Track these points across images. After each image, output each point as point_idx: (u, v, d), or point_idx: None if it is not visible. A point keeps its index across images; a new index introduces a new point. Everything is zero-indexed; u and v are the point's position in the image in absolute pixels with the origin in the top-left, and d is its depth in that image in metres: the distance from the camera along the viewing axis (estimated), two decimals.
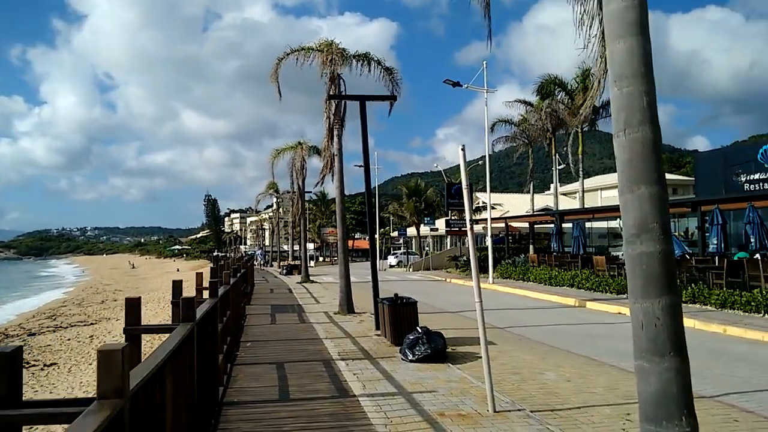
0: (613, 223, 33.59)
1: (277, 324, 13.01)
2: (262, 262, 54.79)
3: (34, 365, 15.47)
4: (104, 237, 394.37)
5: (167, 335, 3.82)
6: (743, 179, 22.48)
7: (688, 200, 20.27)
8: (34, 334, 21.54)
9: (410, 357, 8.46)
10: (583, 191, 31.05)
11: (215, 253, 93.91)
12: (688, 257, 18.42)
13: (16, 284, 64.89)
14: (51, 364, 15.43)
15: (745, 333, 10.88)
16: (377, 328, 11.33)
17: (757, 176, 21.88)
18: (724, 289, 14.33)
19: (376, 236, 49.31)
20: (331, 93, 13.78)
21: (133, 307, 4.41)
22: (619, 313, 14.82)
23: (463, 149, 5.74)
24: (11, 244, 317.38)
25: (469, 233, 5.90)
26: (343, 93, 15.09)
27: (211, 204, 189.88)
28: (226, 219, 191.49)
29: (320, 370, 7.87)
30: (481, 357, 9.10)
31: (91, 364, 15.28)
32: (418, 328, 8.92)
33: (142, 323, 4.69)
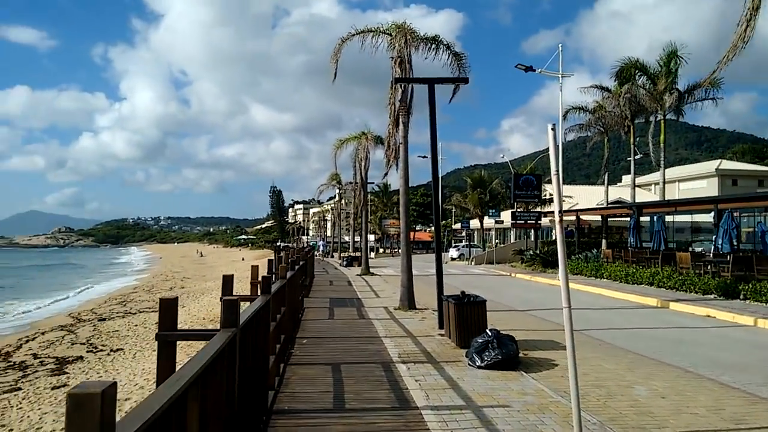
0: (698, 217, 31.23)
1: (335, 319, 12.51)
2: (323, 253, 55.02)
3: (101, 350, 15.76)
4: (176, 226, 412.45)
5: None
6: None
7: None
8: (104, 319, 22.19)
9: (478, 363, 7.67)
10: (664, 182, 28.94)
11: (278, 243, 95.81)
12: None
13: (91, 271, 68.54)
14: (117, 350, 15.65)
15: None
16: (440, 327, 10.59)
17: None
18: None
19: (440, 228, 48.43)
20: (397, 77, 13.00)
21: (168, 309, 3.86)
22: (708, 316, 13.40)
23: (553, 128, 4.89)
24: (90, 232, 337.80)
25: (557, 226, 5.03)
26: (411, 88, 14.35)
27: (276, 195, 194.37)
28: (290, 210, 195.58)
29: (379, 375, 7.22)
30: (557, 365, 8.22)
31: (154, 350, 15.42)
32: (487, 330, 8.10)
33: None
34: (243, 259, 69.86)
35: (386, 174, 15.34)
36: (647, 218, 26.20)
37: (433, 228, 65.36)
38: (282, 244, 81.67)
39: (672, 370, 7.79)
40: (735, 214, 17.41)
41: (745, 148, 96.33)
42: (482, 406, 5.85)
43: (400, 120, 14.01)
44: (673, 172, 52.36)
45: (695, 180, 55.90)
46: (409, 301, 13.99)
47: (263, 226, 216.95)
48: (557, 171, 4.98)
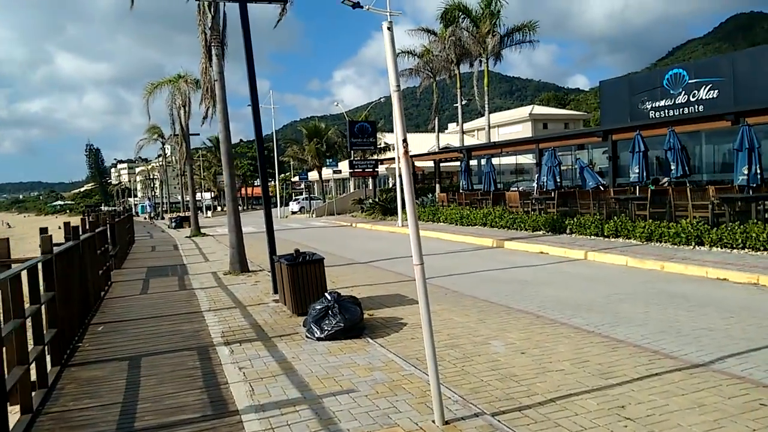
0: (522, 159, 33.16)
1: (149, 293, 10.49)
2: (152, 215, 50.06)
3: None
4: None
5: None
6: (648, 106, 22.17)
7: (597, 130, 19.51)
8: None
9: (318, 334, 6.47)
10: (489, 127, 30.00)
11: (101, 208, 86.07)
12: (602, 189, 17.74)
13: None
14: None
15: (686, 269, 9.93)
16: (275, 291, 9.23)
17: (662, 103, 21.59)
18: (649, 220, 13.56)
19: (275, 182, 46.38)
20: None
21: None
22: (542, 253, 13.71)
23: (390, 28, 3.62)
24: None
25: (402, 162, 3.85)
26: (223, 12, 12.20)
27: (93, 154, 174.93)
28: (113, 170, 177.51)
29: (192, 367, 5.68)
30: (405, 324, 7.30)
31: None
32: (326, 294, 6.90)
33: None
34: (60, 228, 61.16)
35: (205, 118, 13.25)
36: (475, 162, 27.06)
37: (273, 182, 62.83)
38: (107, 209, 73.43)
39: (523, 317, 7.30)
40: (557, 153, 18.15)
41: (549, 96, 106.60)
42: (322, 396, 4.65)
43: (213, 52, 11.92)
44: (492, 119, 55.77)
45: (512, 125, 60.43)
46: (240, 264, 12.38)
47: (82, 189, 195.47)
48: (397, 86, 3.76)
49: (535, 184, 21.36)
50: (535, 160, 21.53)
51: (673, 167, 14.14)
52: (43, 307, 5.45)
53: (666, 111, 21.38)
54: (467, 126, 56.15)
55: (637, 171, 14.64)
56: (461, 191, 24.45)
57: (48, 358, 5.57)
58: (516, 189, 24.93)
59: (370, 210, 30.47)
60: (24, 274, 4.73)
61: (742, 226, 11.22)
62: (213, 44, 11.78)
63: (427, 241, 18.23)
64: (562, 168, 19.44)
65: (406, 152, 4.06)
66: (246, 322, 7.61)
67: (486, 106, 29.45)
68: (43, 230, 9.76)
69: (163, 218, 51.26)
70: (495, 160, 24.28)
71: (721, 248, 11.34)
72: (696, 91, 20.47)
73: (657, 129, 16.05)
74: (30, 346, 4.98)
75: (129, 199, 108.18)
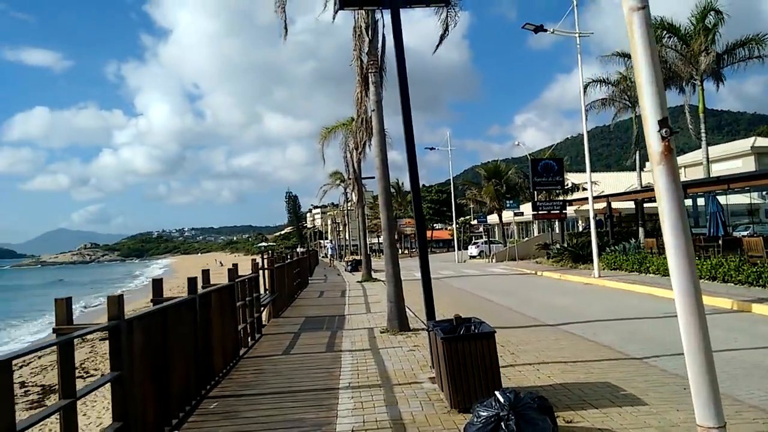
0: (742, 198, 27.02)
1: (292, 353, 8.97)
2: (332, 257, 51.58)
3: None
4: (200, 237, 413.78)
5: None
6: None
7: None
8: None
9: None
10: (708, 159, 24.81)
11: (297, 249, 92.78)
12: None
13: (108, 282, 66.38)
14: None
15: None
16: (433, 365, 7.01)
17: None
18: None
19: (453, 225, 44.65)
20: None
21: None
22: None
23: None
24: (115, 246, 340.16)
25: (662, 167, 1.41)
26: (382, 35, 10.72)
27: (292, 200, 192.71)
28: (308, 215, 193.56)
29: None
30: None
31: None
32: (497, 394, 4.49)
33: None
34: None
35: (361, 151, 12.10)
36: (689, 202, 22.31)
37: (451, 226, 61.42)
38: (302, 250, 78.77)
39: None
40: None
41: None
42: None
43: (370, 80, 10.43)
44: (699, 155, 48.23)
45: (729, 160, 51.49)
46: (399, 321, 10.42)
47: (282, 232, 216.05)
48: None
49: None
50: None
51: None
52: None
53: None
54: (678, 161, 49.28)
55: None
56: None
57: None
58: (753, 234, 19.72)
59: (558, 256, 26.92)
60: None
61: None
62: (370, 70, 10.32)
63: (633, 298, 14.61)
64: None
65: (669, 147, 1.65)
66: (387, 416, 5.48)
67: (703, 133, 24.47)
68: (205, 272, 8.90)
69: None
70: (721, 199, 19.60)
71: None
72: None
73: None
74: None
75: (321, 241, 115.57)
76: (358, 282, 22.88)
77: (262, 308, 11.65)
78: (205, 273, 8.50)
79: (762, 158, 50.49)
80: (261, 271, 13.39)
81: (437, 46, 10.83)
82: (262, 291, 12.73)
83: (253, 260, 12.64)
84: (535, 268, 26.12)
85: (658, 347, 8.36)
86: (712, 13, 24.36)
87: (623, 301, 14.15)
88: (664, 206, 1.88)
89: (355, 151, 21.98)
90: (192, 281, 6.72)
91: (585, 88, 28.86)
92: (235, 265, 10.26)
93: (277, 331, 11.20)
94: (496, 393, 4.51)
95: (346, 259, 42.43)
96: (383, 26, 10.74)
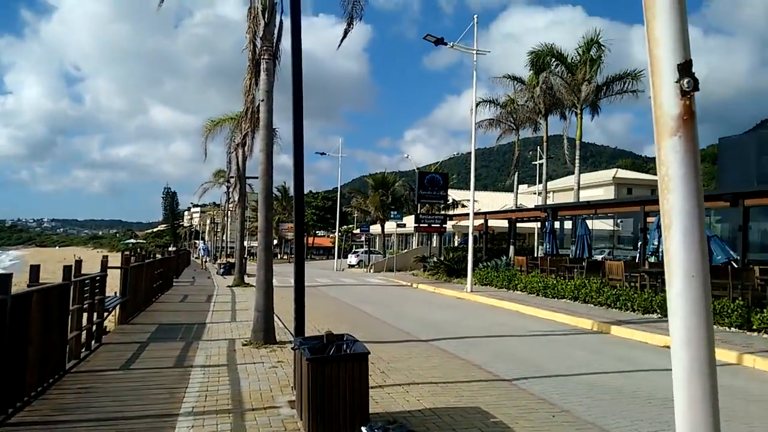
0: (599, 224, 29.07)
1: (132, 368, 7.71)
2: (205, 259, 48.74)
3: None
4: (61, 229, 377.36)
5: None
6: None
7: (722, 193, 15.74)
8: None
9: None
10: (579, 185, 26.43)
11: (170, 248, 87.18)
12: (735, 265, 13.93)
13: None
14: None
15: None
16: (295, 388, 6.21)
17: None
18: None
19: (336, 233, 44.10)
20: None
21: None
22: (668, 347, 10.03)
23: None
24: None
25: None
26: (279, 21, 9.84)
27: (170, 197, 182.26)
28: (186, 213, 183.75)
29: None
30: None
31: None
32: (363, 429, 3.80)
33: None
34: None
35: (244, 145, 11.10)
36: (557, 225, 23.57)
37: (334, 233, 60.77)
38: (173, 249, 74.02)
39: None
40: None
41: (627, 162, 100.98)
42: None
43: (262, 66, 9.48)
44: (570, 181, 52.04)
45: (593, 188, 56.14)
46: (265, 333, 9.47)
47: (155, 230, 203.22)
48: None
49: (637, 253, 17.62)
50: (640, 225, 17.84)
51: None
52: None
53: None
54: (548, 186, 52.60)
55: None
56: (545, 256, 20.89)
57: None
58: (611, 258, 21.10)
59: (434, 270, 27.23)
60: None
61: None
62: (263, 56, 9.36)
63: (503, 314, 14.80)
64: None
65: (690, 109, 1.04)
66: None
67: (577, 159, 26.03)
68: (34, 267, 7.37)
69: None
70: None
71: None
72: None
73: None
74: None
75: (196, 241, 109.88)
76: (228, 286, 21.40)
77: (105, 313, 10.13)
78: (34, 269, 7.02)
79: (620, 188, 55.62)
80: (120, 270, 11.81)
81: (341, 40, 10.17)
82: (110, 293, 11.17)
83: (104, 257, 11.08)
84: (412, 280, 26.19)
85: (526, 368, 8.24)
86: (595, 45, 26.09)
87: (493, 317, 14.26)
88: (674, 201, 1.25)
89: (241, 147, 20.54)
90: (4, 279, 5.37)
91: (477, 105, 29.79)
92: (79, 261, 8.82)
93: (121, 340, 9.76)
94: (363, 428, 3.82)
95: (219, 261, 40.15)
96: (281, 11, 9.88)
